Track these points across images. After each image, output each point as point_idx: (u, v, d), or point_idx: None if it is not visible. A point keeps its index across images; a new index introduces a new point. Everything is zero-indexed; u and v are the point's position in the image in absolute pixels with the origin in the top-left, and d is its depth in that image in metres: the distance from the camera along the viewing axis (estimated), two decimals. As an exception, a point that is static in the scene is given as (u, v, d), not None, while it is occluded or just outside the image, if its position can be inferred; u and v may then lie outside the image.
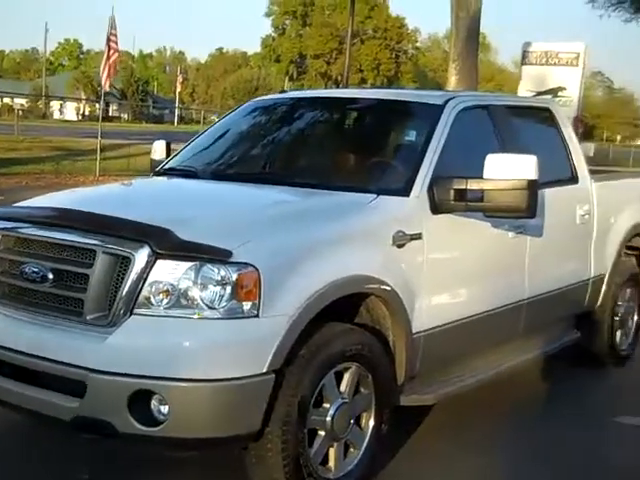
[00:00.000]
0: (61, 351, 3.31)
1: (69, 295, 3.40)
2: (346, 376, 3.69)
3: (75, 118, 66.50)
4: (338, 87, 33.32)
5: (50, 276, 3.42)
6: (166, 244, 3.27)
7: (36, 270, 3.45)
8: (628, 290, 6.22)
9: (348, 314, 3.88)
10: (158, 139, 5.57)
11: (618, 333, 6.12)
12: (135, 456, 3.91)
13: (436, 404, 4.47)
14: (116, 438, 3.27)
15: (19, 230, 3.69)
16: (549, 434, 4.74)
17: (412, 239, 3.95)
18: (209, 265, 3.24)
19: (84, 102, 66.83)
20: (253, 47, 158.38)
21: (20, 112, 40.29)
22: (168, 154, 5.34)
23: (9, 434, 4.23)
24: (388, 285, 3.80)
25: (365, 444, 3.81)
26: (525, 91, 14.93)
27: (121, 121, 45.84)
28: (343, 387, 3.68)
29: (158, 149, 5.42)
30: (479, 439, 4.58)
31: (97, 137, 19.55)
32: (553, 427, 4.85)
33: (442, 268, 4.19)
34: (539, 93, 14.44)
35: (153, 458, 3.84)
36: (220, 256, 3.24)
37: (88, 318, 3.31)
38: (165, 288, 3.25)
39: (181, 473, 3.90)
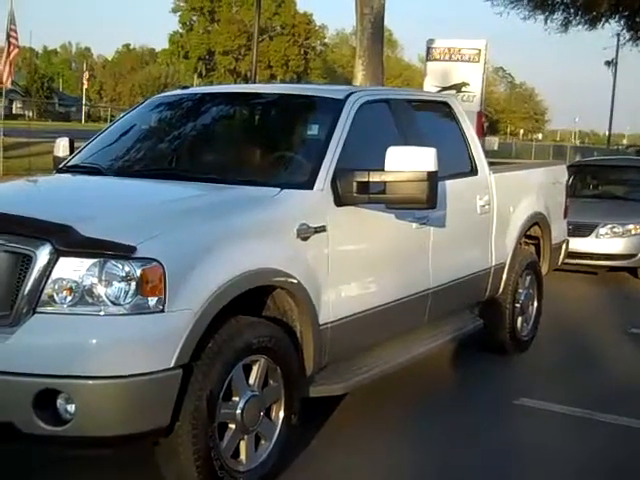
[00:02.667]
0: None
1: None
2: (254, 369, 3.72)
3: (-24, 116, 64.22)
4: (247, 83, 33.24)
5: None
6: (68, 241, 3.24)
7: None
8: (528, 278, 6.45)
9: (255, 307, 3.90)
10: (62, 136, 5.49)
11: (519, 319, 6.34)
12: (47, 457, 3.87)
13: (346, 394, 4.55)
14: (21, 439, 3.23)
15: None
16: (457, 418, 4.88)
17: (316, 232, 4.01)
18: (113, 261, 3.22)
19: (-15, 100, 64.67)
20: (161, 44, 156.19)
21: None
22: (72, 151, 5.27)
23: None
24: (294, 278, 3.84)
25: (276, 436, 3.85)
26: (430, 86, 15.19)
27: (25, 119, 44.57)
28: (252, 380, 3.71)
29: (61, 146, 5.34)
30: (390, 426, 4.68)
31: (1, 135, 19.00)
32: (461, 411, 5.01)
33: (347, 260, 4.26)
34: (443, 88, 14.76)
35: (65, 458, 3.79)
36: (124, 252, 3.22)
37: (-12, 318, 3.24)
38: (69, 285, 3.21)
39: (93, 472, 3.86)
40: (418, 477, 4.11)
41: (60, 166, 5.05)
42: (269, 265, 3.77)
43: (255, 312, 3.88)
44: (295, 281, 3.86)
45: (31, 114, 56.08)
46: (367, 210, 4.30)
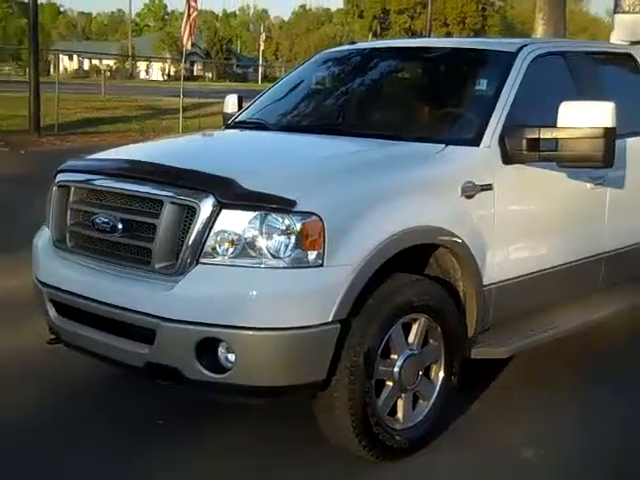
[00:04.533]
0: (131, 299, 3.39)
1: (137, 244, 3.46)
2: (414, 327, 3.66)
3: (161, 78, 67.49)
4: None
5: (120, 226, 3.49)
6: (230, 194, 3.29)
7: (106, 220, 3.53)
8: None
9: (417, 266, 3.83)
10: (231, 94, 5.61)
11: None
12: (207, 403, 3.99)
13: (510, 358, 4.40)
14: (185, 384, 3.34)
15: (91, 182, 3.77)
16: (626, 394, 4.60)
17: (482, 190, 3.87)
18: (273, 215, 3.24)
19: (169, 62, 67.67)
20: (336, 3, 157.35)
21: (107, 73, 41.07)
22: (240, 107, 5.37)
23: (88, 380, 4.37)
24: (458, 236, 3.74)
25: (434, 396, 3.79)
26: (618, 41, 14.32)
27: (206, 80, 46.30)
28: (411, 338, 3.66)
29: (230, 103, 5.46)
30: (554, 395, 4.49)
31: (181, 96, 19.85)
32: (631, 388, 4.71)
33: (514, 220, 4.10)
34: (633, 43, 13.87)
35: (225, 405, 3.90)
36: (284, 205, 3.24)
37: (156, 267, 3.36)
38: (230, 238, 3.27)
39: (251, 420, 3.96)
40: (593, 451, 3.89)
41: (228, 122, 5.16)
42: (432, 223, 3.68)
43: (417, 271, 3.81)
44: (459, 240, 3.75)
45: (211, 75, 58.11)
46: (537, 169, 4.11)
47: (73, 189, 3.79)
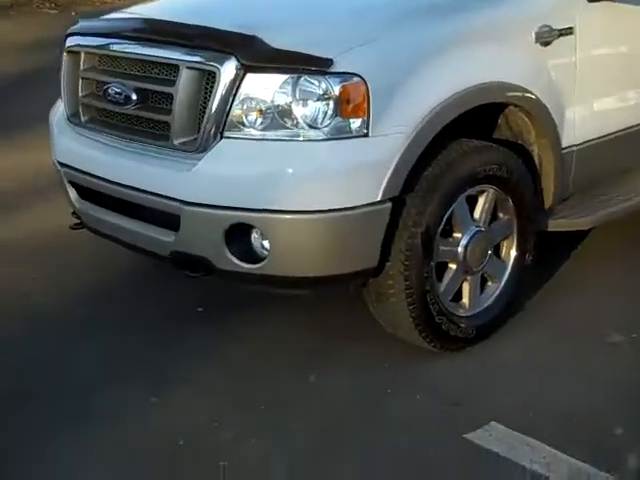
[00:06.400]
0: (152, 181, 3.02)
1: (154, 117, 3.04)
2: (481, 201, 3.23)
3: None
4: None
5: (134, 97, 3.05)
6: (255, 55, 2.82)
7: (119, 91, 3.09)
8: None
9: (482, 129, 3.35)
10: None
11: None
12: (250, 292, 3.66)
13: (591, 230, 3.90)
14: (213, 275, 3.00)
15: (102, 46, 3.33)
16: None
17: (561, 35, 3.33)
18: (307, 77, 2.78)
19: None
20: None
21: None
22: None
23: (123, 268, 4.10)
24: (530, 92, 3.24)
25: (506, 276, 3.38)
26: None
27: None
28: (477, 213, 3.23)
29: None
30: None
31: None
32: None
33: (600, 70, 3.56)
34: None
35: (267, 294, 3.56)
36: (319, 66, 2.76)
37: (175, 143, 2.94)
38: (258, 106, 2.82)
39: (296, 308, 3.63)
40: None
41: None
42: (500, 77, 3.17)
43: (483, 135, 3.32)
44: (533, 96, 3.25)
45: None
46: (630, 6, 3.54)
47: (84, 55, 3.34)
